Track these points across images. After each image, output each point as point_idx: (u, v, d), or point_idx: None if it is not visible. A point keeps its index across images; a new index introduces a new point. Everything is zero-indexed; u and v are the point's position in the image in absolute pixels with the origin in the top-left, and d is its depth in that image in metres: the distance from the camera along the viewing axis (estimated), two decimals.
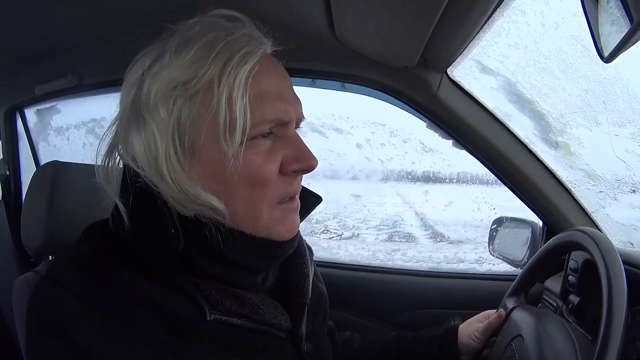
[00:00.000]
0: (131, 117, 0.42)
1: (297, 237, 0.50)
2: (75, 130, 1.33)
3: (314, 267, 0.62)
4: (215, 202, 0.41)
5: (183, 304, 0.42)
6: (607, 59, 0.35)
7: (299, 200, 0.49)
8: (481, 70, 0.88)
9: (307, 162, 0.45)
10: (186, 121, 0.41)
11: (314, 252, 0.64)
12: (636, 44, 0.31)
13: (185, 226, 0.42)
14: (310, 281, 0.55)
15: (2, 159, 1.33)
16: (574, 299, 0.67)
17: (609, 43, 0.33)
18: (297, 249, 0.54)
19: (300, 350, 0.51)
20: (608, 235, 0.87)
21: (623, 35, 0.29)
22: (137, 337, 0.39)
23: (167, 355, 0.40)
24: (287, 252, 0.50)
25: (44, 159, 1.37)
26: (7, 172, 1.30)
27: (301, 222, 0.53)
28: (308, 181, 0.52)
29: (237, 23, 0.45)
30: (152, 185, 0.41)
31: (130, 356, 0.38)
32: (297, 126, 0.48)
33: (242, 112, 0.40)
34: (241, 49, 0.41)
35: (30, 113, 1.31)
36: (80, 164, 0.76)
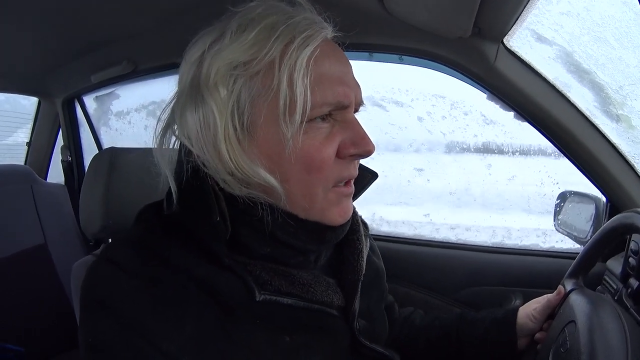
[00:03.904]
0: (189, 96, 0.42)
1: (349, 220, 0.50)
2: (136, 113, 1.37)
3: (370, 242, 0.62)
4: (272, 181, 0.41)
5: (232, 285, 0.42)
6: None
7: (353, 186, 0.48)
8: (537, 39, 0.83)
9: (364, 147, 0.44)
10: (246, 101, 0.41)
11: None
12: None
13: (235, 207, 0.42)
14: (365, 257, 0.55)
15: (63, 145, 1.42)
16: (633, 282, 0.62)
17: None
18: (351, 226, 0.54)
19: (352, 327, 0.50)
20: None
21: None
22: (187, 313, 0.39)
23: (219, 331, 0.40)
24: (339, 236, 0.49)
25: (107, 144, 1.42)
26: (69, 158, 1.39)
27: (357, 199, 0.53)
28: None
29: (297, 7, 0.44)
30: (204, 165, 0.41)
31: (180, 331, 0.38)
32: (356, 110, 0.47)
33: (302, 93, 0.40)
34: (303, 32, 0.41)
35: (90, 100, 1.37)
36: (136, 148, 0.77)
